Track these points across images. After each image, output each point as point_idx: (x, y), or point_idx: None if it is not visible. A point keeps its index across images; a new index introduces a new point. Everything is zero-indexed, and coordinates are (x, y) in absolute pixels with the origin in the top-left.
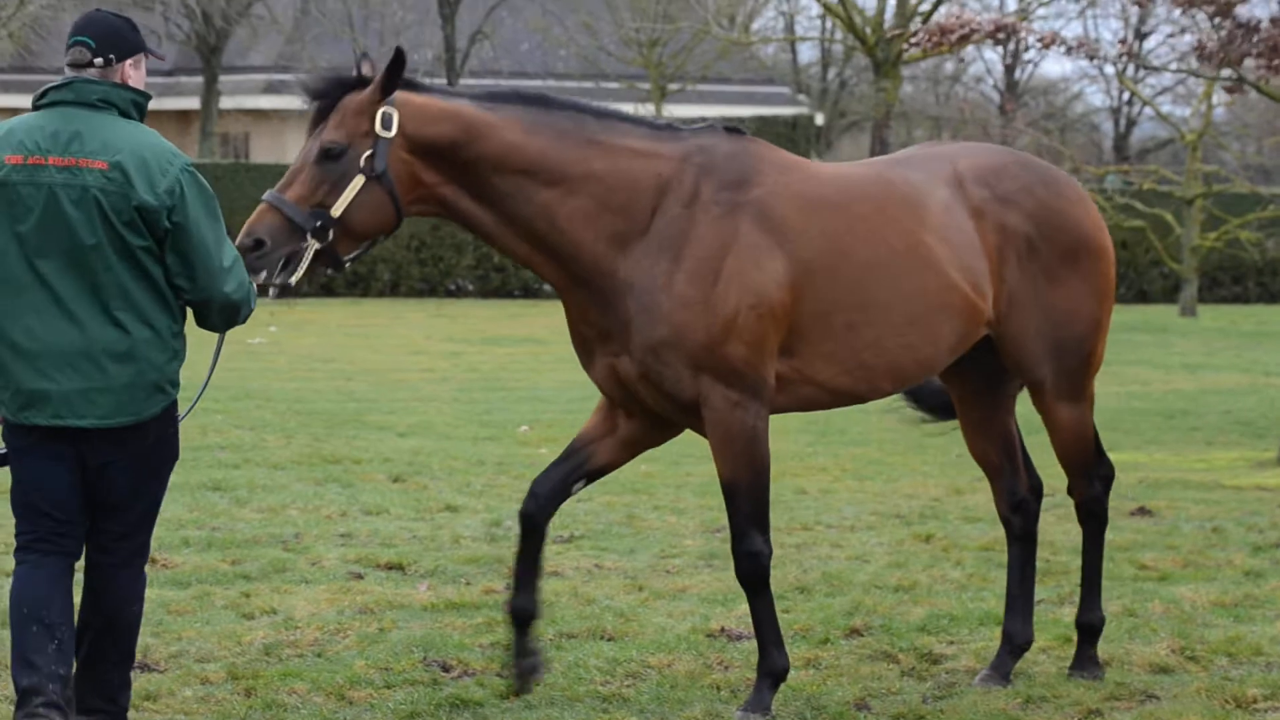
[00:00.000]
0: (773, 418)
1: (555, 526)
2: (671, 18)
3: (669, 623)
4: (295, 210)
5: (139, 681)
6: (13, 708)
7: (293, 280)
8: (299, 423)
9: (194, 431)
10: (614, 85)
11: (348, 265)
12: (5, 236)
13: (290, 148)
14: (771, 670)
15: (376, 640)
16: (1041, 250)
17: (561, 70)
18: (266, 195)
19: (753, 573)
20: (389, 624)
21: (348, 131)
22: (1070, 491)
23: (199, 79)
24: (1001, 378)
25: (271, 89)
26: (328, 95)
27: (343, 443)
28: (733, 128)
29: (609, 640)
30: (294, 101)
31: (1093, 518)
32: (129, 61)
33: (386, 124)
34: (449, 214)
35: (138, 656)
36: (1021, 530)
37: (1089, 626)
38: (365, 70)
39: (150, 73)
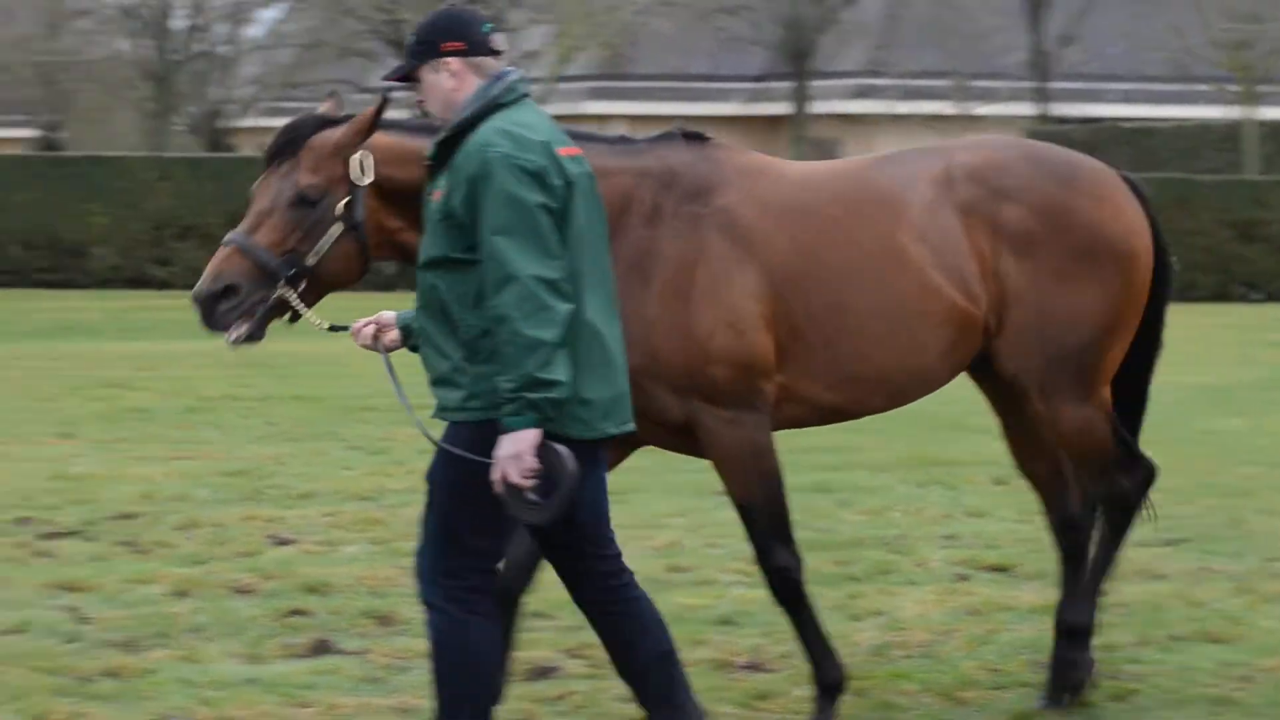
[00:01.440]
0: None
1: (1160, 530)
2: (1259, 18)
3: (1279, 626)
4: (268, 256)
5: (750, 681)
6: None
7: (260, 332)
8: (899, 426)
9: (796, 434)
10: (1203, 88)
11: (299, 320)
12: (584, 228)
13: (882, 152)
14: (827, 683)
15: (985, 642)
16: (1046, 246)
17: (1151, 73)
18: (233, 238)
19: (786, 588)
20: (997, 626)
21: (325, 176)
22: (1091, 496)
23: (789, 84)
24: None
25: (861, 94)
26: (301, 137)
27: (944, 445)
28: (692, 134)
29: (1217, 643)
30: (884, 106)
31: (1116, 510)
32: None
33: (364, 169)
34: (406, 258)
35: (747, 656)
36: (1070, 548)
37: (1070, 626)
38: (329, 108)
39: (740, 78)
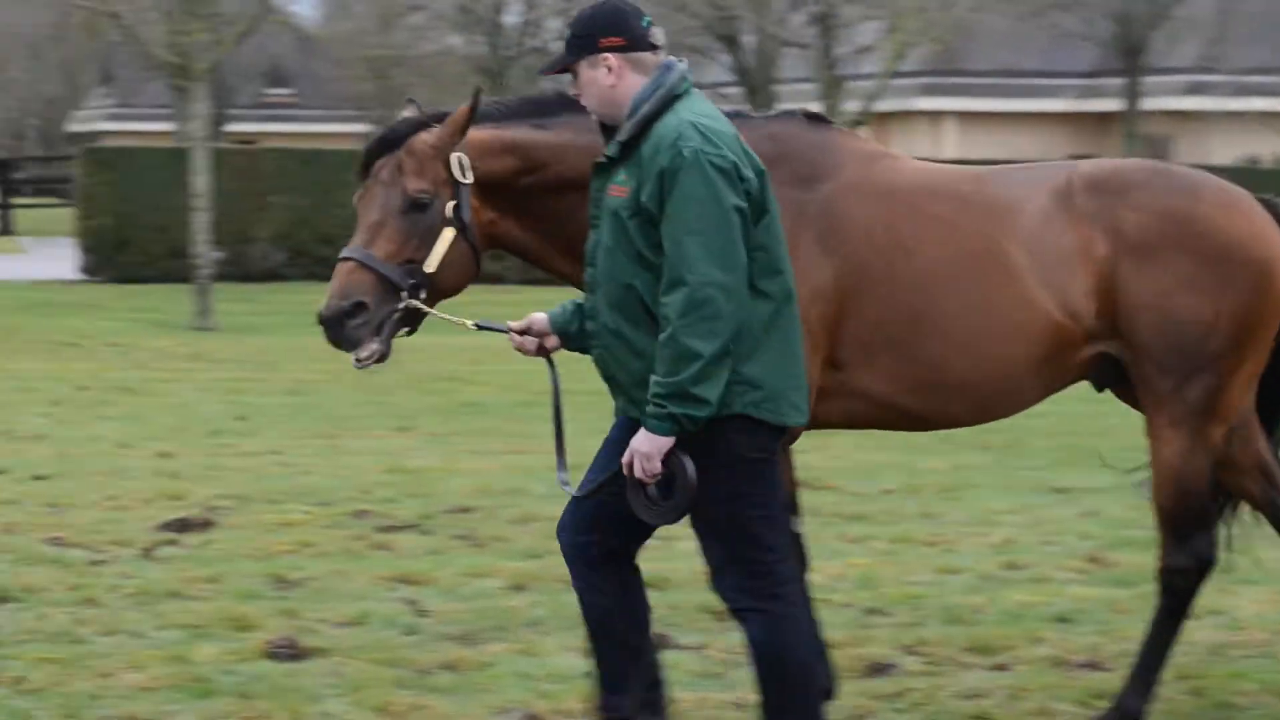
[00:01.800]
0: None
1: None
2: None
3: None
4: (389, 268)
5: (1088, 679)
6: None
7: (388, 350)
8: None
9: (1131, 433)
10: None
11: (414, 333)
12: (777, 228)
13: (1215, 149)
14: None
15: None
16: (1170, 254)
17: None
18: (350, 252)
19: None
20: None
21: (431, 179)
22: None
23: (1120, 81)
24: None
25: (1194, 90)
26: (395, 142)
27: None
28: (815, 115)
29: None
30: (1217, 103)
31: (1170, 594)
32: None
33: (463, 169)
34: (495, 245)
35: (1085, 654)
36: None
37: (1122, 713)
38: (410, 113)
39: (1071, 74)
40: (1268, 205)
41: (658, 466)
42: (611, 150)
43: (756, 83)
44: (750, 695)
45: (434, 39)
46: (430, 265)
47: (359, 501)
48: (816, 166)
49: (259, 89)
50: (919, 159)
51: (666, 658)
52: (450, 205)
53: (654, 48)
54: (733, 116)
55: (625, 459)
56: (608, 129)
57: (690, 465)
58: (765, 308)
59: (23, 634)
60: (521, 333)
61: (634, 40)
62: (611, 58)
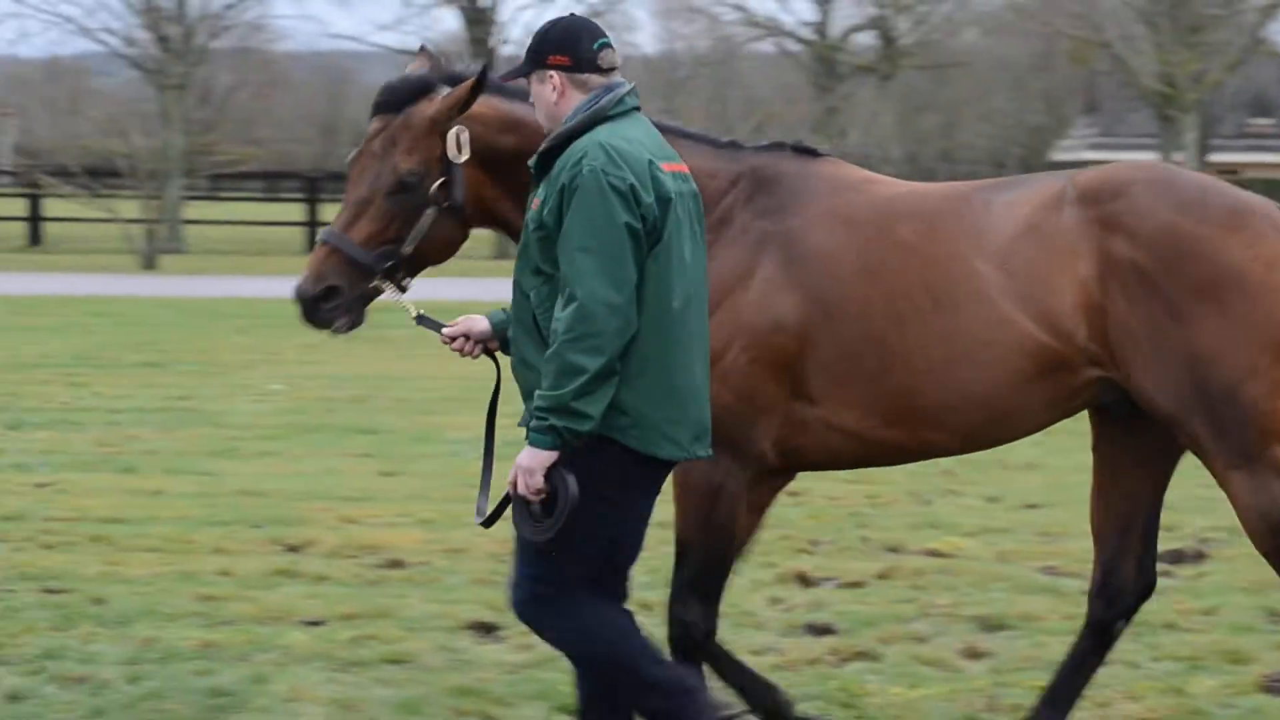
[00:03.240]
0: None
1: None
2: None
3: None
4: (363, 254)
5: None
6: None
7: (361, 319)
8: None
9: None
10: None
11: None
12: (671, 258)
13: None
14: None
15: None
16: (1162, 283)
17: None
18: (327, 236)
19: (684, 642)
20: None
21: (423, 158)
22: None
23: None
24: (1140, 440)
25: None
26: (395, 104)
27: None
28: (803, 147)
29: None
30: None
31: None
32: None
33: (460, 146)
34: (496, 226)
35: None
36: (1097, 618)
37: None
38: (419, 66)
39: None
40: None
41: (540, 482)
42: (532, 161)
43: None
44: None
45: None
46: (408, 246)
47: None
48: (788, 199)
49: (1243, 119)
50: (911, 183)
51: None
52: (438, 184)
53: (602, 70)
54: (725, 146)
55: (510, 475)
56: None
57: (573, 482)
58: (648, 337)
59: (1020, 661)
60: (461, 335)
61: (579, 61)
62: (556, 76)
